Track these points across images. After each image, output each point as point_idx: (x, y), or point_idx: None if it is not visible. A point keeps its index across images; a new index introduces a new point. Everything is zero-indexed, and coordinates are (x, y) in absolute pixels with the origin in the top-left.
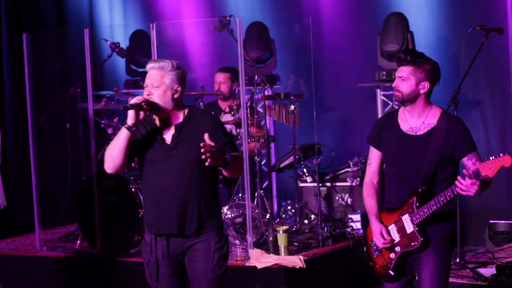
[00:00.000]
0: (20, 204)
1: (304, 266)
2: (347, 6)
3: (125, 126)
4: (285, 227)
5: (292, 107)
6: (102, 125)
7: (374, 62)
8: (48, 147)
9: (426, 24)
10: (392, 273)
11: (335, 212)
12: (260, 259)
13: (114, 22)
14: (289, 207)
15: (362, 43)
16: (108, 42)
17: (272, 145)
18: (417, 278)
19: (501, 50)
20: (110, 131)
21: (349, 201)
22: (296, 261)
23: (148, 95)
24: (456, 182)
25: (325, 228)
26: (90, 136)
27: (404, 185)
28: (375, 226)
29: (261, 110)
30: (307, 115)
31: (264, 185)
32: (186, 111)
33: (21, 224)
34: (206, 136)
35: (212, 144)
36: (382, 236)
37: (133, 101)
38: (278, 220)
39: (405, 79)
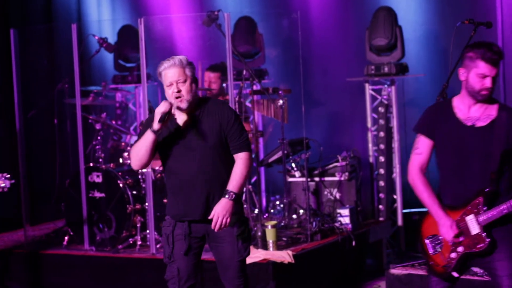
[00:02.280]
0: (8, 200)
1: (293, 261)
2: (336, 1)
3: (152, 130)
4: (273, 222)
5: (281, 101)
6: (90, 121)
7: (363, 57)
8: (36, 142)
9: (414, 18)
10: (456, 274)
11: (323, 207)
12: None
13: (102, 17)
14: (277, 202)
15: (350, 38)
16: (96, 37)
17: (261, 140)
18: (489, 278)
19: None
20: (98, 126)
21: (337, 195)
22: (285, 256)
23: (178, 91)
24: None
25: (314, 223)
26: (78, 132)
27: (465, 180)
28: (444, 219)
29: (249, 105)
30: (295, 109)
31: (253, 180)
32: (200, 101)
33: (9, 220)
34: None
35: (219, 222)
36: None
37: (162, 109)
38: (266, 215)
39: (494, 78)
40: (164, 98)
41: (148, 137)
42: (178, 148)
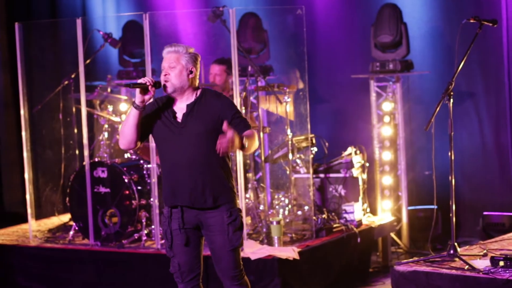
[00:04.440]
0: (13, 194)
1: (298, 258)
2: None
3: (133, 104)
4: (278, 218)
5: (286, 98)
6: (95, 116)
7: (368, 53)
8: (41, 137)
9: (419, 15)
10: None
11: (328, 203)
12: (254, 250)
13: (107, 13)
14: (282, 198)
15: (355, 34)
16: (101, 33)
17: (266, 136)
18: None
19: (495, 41)
20: (103, 121)
21: (342, 192)
22: (290, 252)
23: (166, 75)
24: None
25: (319, 220)
26: (83, 127)
27: None
28: None
29: (254, 101)
30: (300, 106)
31: (258, 176)
32: (199, 92)
33: (14, 215)
34: (225, 124)
35: (230, 132)
36: None
37: (139, 80)
38: (271, 211)
39: None
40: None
41: (130, 113)
42: (170, 134)
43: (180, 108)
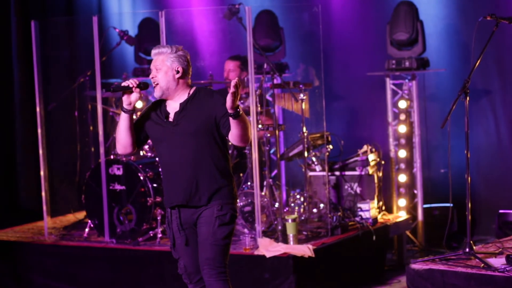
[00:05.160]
0: (29, 192)
1: (313, 255)
2: None
3: (122, 108)
4: (294, 216)
5: (301, 95)
6: (110, 113)
7: (384, 51)
8: (57, 135)
9: (435, 13)
10: None
11: (344, 201)
12: (269, 248)
13: (123, 10)
14: (298, 196)
15: (371, 32)
16: (117, 30)
17: (281, 133)
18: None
19: (511, 39)
20: (118, 119)
21: (358, 190)
22: (305, 250)
23: (152, 77)
24: None
25: (334, 217)
26: (99, 124)
27: None
28: None
29: (270, 99)
30: (316, 103)
31: (273, 174)
32: (192, 90)
33: (30, 212)
34: (235, 80)
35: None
36: None
37: (123, 83)
38: (287, 209)
39: None
40: None
41: (121, 117)
42: (163, 134)
43: (173, 107)
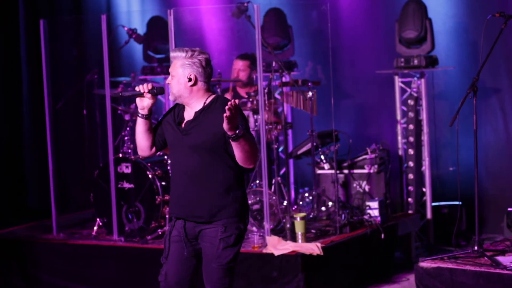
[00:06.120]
0: (36, 190)
1: (322, 253)
2: None
3: (138, 114)
4: (302, 214)
5: (310, 93)
6: (119, 112)
7: (392, 49)
8: (65, 133)
9: (444, 11)
10: None
11: (352, 199)
12: (277, 246)
13: (132, 8)
14: (306, 194)
15: (380, 30)
16: (125, 28)
17: (290, 132)
18: None
19: None
20: (127, 117)
21: (366, 188)
22: (314, 248)
23: (168, 83)
24: None
25: (343, 216)
26: (107, 123)
27: None
28: None
29: (278, 97)
30: (324, 101)
31: (282, 172)
32: (209, 99)
33: (37, 210)
34: (237, 101)
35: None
36: None
37: (136, 88)
38: (295, 207)
39: None
40: None
41: (138, 122)
42: (175, 141)
43: (189, 114)
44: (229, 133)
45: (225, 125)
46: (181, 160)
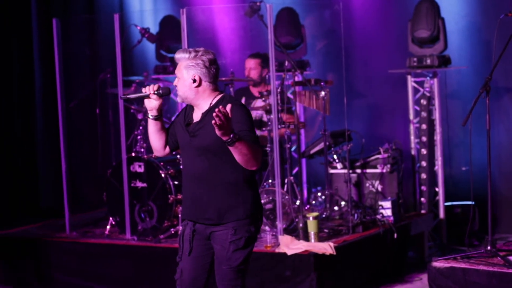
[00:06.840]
0: (49, 189)
1: (334, 253)
2: None
3: (147, 115)
4: (315, 214)
5: (323, 93)
6: (132, 111)
7: (405, 49)
8: (78, 132)
9: (457, 10)
10: None
11: (365, 199)
12: (290, 246)
13: (144, 7)
14: (319, 194)
15: (392, 29)
16: (138, 28)
17: (302, 131)
18: None
19: None
20: (140, 116)
21: (379, 188)
22: (326, 247)
23: (175, 85)
24: None
25: (355, 215)
26: (120, 122)
27: None
28: None
29: (291, 96)
30: (337, 101)
31: (294, 171)
32: (215, 99)
33: (50, 210)
34: (228, 106)
35: (229, 114)
36: None
37: (143, 89)
38: (308, 206)
39: None
40: None
41: (148, 123)
42: (183, 143)
43: (197, 116)
44: (223, 138)
45: (216, 131)
46: (190, 161)
